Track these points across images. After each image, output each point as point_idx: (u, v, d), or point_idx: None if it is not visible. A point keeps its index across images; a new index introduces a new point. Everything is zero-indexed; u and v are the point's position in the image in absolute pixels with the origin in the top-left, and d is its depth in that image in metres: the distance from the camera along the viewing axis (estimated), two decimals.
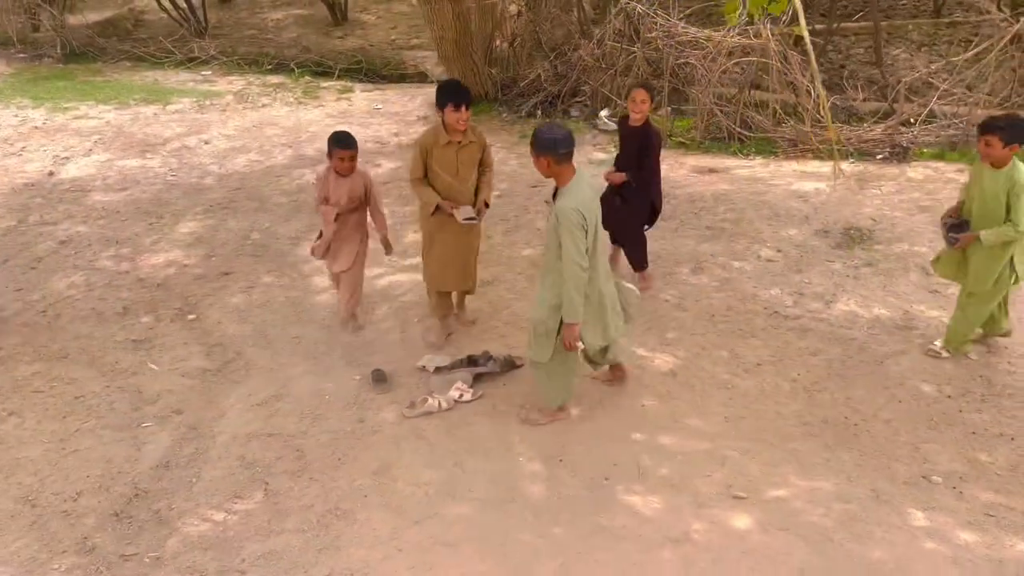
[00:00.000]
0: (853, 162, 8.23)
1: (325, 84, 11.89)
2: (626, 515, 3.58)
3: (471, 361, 4.81)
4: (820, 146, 8.54)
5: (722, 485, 3.77)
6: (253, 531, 3.58)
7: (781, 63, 9.16)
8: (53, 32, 12.50)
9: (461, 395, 4.52)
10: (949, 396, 4.42)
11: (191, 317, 5.66)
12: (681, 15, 9.76)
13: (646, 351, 5.01)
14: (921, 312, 5.33)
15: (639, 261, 5.74)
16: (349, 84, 11.96)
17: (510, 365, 4.84)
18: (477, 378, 4.67)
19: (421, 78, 12.56)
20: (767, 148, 8.83)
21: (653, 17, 9.62)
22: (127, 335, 5.41)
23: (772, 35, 9.05)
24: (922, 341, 4.99)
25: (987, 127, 4.27)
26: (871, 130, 8.55)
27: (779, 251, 6.27)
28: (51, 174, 8.15)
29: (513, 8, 12.04)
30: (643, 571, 3.21)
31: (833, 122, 8.93)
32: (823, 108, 3.98)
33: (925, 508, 3.55)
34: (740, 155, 8.77)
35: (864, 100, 9.16)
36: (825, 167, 8.13)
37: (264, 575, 3.31)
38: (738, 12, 6.61)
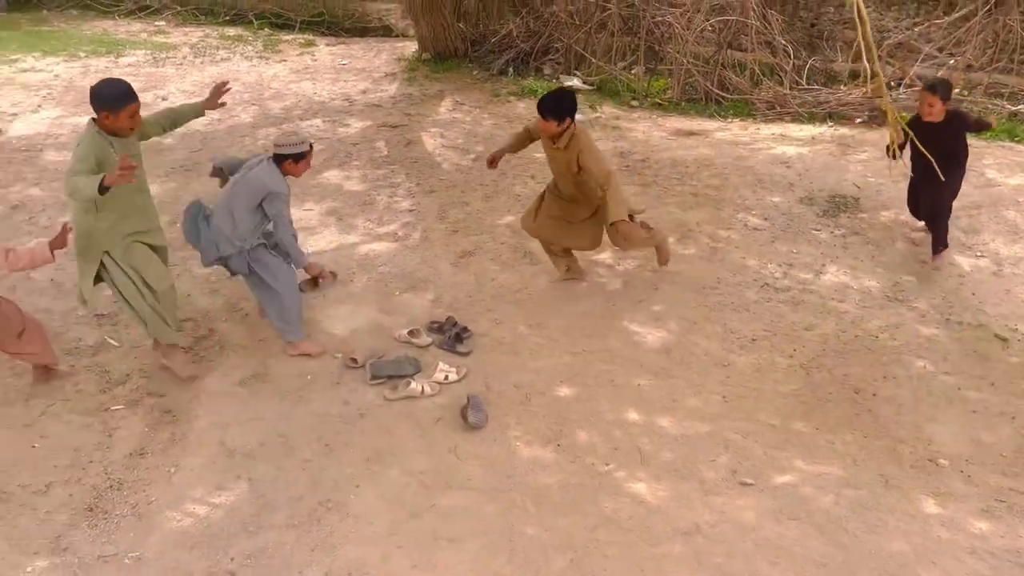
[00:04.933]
0: (832, 126, 8.14)
1: (286, 37, 11.41)
2: (632, 504, 3.47)
3: (437, 328, 4.73)
4: (799, 109, 8.44)
5: (727, 471, 3.68)
6: (240, 526, 3.39)
7: (761, 22, 9.00)
8: None
9: (447, 376, 4.34)
10: (946, 373, 4.38)
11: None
12: None
13: (637, 326, 4.88)
14: (911, 283, 5.28)
15: (944, 239, 5.37)
16: (311, 38, 11.50)
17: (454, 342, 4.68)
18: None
19: (385, 32, 12.13)
20: (744, 111, 8.69)
21: None
22: (89, 309, 5.10)
23: None
24: (913, 314, 4.95)
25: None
26: (850, 93, 8.45)
27: (766, 219, 6.17)
28: (0, 132, 7.67)
29: None
30: (656, 566, 3.11)
31: (809, 84, 8.85)
32: (880, 89, 3.78)
33: (936, 494, 3.51)
34: (718, 117, 8.62)
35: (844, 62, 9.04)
36: (803, 131, 8.05)
37: (255, 575, 3.13)
38: None
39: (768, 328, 4.86)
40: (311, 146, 4.47)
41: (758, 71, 8.94)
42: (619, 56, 9.74)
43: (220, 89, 4.53)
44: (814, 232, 5.98)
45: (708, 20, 9.02)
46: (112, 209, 3.98)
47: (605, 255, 5.71)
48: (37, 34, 10.50)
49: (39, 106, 8.35)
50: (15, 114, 8.11)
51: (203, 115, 4.64)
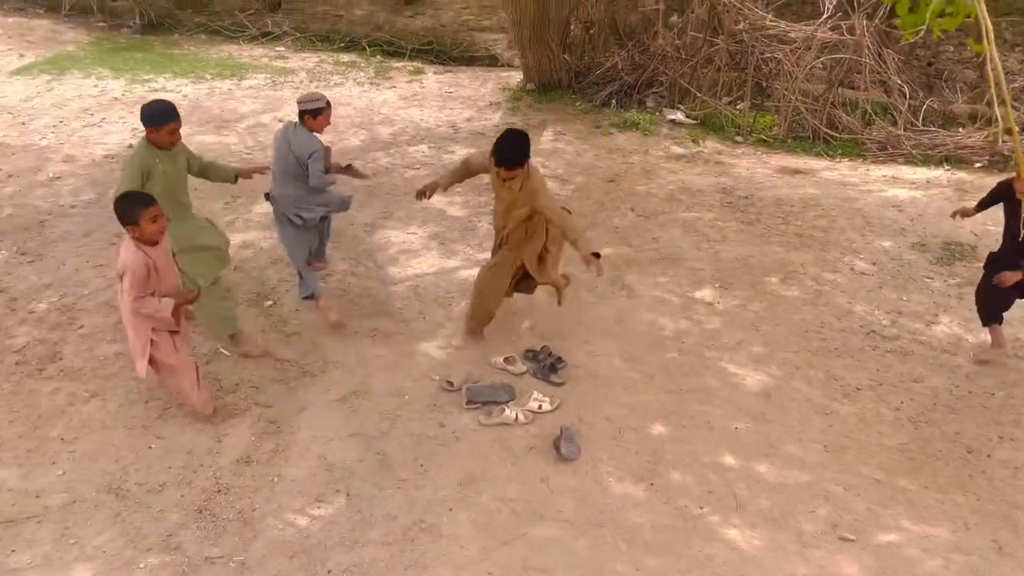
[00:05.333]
0: (948, 169, 7.84)
1: (397, 64, 11.78)
2: (726, 551, 3.40)
3: (532, 357, 4.76)
4: (913, 151, 8.16)
5: (827, 524, 3.57)
6: (337, 540, 3.49)
7: (875, 60, 8.77)
8: (131, 2, 12.58)
9: (540, 406, 4.37)
10: None
11: (268, 304, 5.60)
12: (770, 7, 9.40)
13: (736, 367, 4.80)
14: None
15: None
16: (420, 65, 11.83)
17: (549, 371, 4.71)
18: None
19: (492, 61, 12.39)
20: (854, 150, 8.48)
21: (740, 8, 9.28)
22: None
23: (867, 31, 8.67)
24: None
25: None
26: (969, 136, 8.12)
27: (874, 264, 5.98)
28: (131, 147, 8.17)
29: None
30: None
31: (926, 125, 8.55)
32: (1014, 138, 3.64)
33: None
34: (825, 156, 8.44)
35: (963, 104, 8.70)
36: (916, 174, 7.78)
37: None
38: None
39: (874, 378, 4.70)
40: (328, 103, 4.94)
41: (870, 110, 8.71)
42: (725, 91, 9.66)
43: (259, 169, 5.16)
44: (926, 280, 5.76)
45: (819, 57, 8.86)
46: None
47: (704, 292, 5.65)
48: (169, 56, 11.20)
49: None
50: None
51: (233, 182, 5.14)
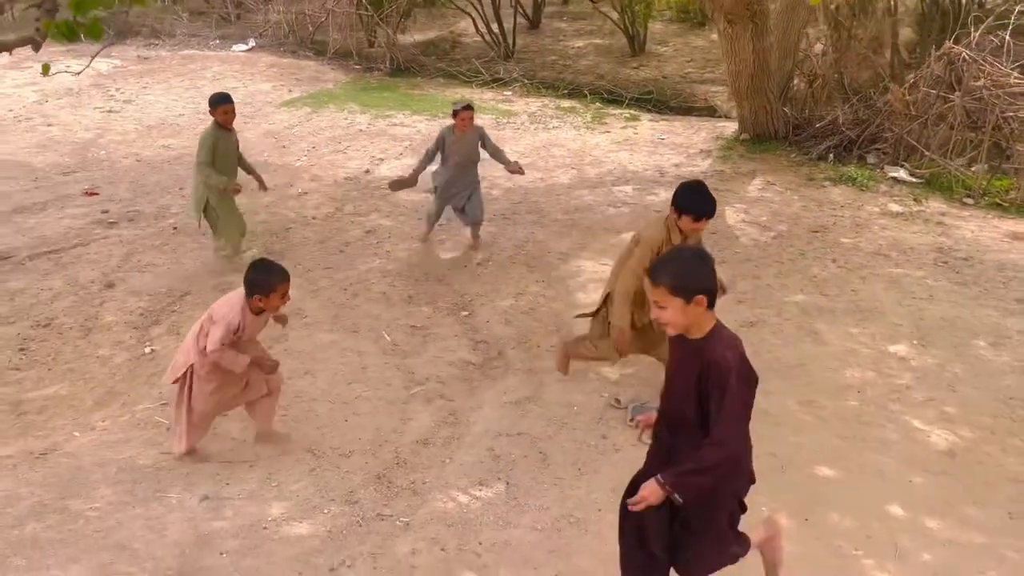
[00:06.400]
0: None
1: (614, 111, 12.22)
2: None
3: None
4: None
5: None
6: (492, 519, 3.78)
7: None
8: (385, 48, 14.11)
9: None
10: None
11: (464, 313, 6.10)
12: (1015, 64, 8.77)
13: (922, 423, 4.56)
14: None
15: None
16: (636, 113, 12.19)
17: None
18: None
19: (709, 112, 12.49)
20: None
21: (981, 64, 8.75)
22: (408, 320, 5.96)
23: None
24: None
25: None
26: None
27: None
28: (367, 172, 9.21)
29: (818, 47, 11.57)
30: None
31: None
32: None
33: None
34: None
35: None
36: None
37: (497, 561, 3.48)
38: None
39: None
40: (465, 107, 6.59)
41: None
42: (957, 151, 9.09)
43: (260, 184, 6.87)
44: None
45: None
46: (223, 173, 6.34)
47: (899, 347, 5.40)
48: (410, 96, 12.44)
49: (401, 154, 9.88)
50: (382, 159, 9.69)
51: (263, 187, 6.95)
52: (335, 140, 10.30)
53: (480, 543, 3.60)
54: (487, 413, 4.79)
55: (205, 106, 11.17)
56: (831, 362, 5.23)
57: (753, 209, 8.20)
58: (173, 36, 15.51)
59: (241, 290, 3.99)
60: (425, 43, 15.36)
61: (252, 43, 14.88)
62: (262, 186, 6.87)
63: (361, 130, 10.75)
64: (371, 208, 8.16)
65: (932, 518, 3.78)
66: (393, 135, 10.61)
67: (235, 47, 14.79)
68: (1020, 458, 4.24)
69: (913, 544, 3.60)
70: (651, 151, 10.29)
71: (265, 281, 3.88)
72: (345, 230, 7.65)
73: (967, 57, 8.80)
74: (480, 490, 4.02)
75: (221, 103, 6.29)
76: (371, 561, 3.40)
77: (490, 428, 4.61)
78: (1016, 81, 8.51)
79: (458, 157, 6.83)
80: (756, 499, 3.91)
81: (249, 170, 6.79)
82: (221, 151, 6.31)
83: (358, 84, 13.19)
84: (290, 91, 12.41)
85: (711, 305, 2.61)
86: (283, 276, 3.95)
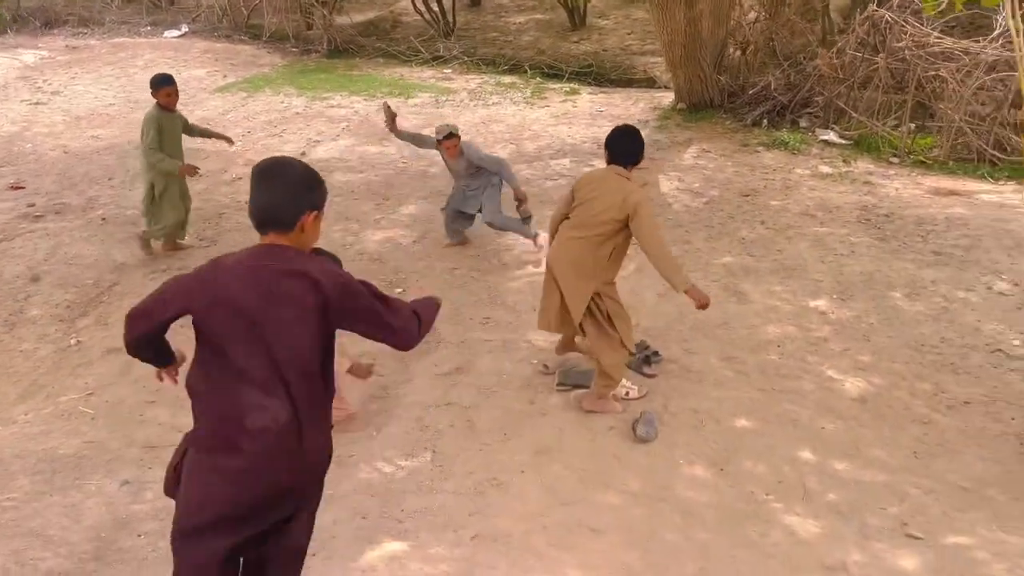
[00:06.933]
0: None
1: (554, 86, 12.25)
2: (780, 533, 3.41)
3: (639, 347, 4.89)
4: None
5: (896, 521, 3.47)
6: (416, 487, 3.83)
7: None
8: (322, 30, 13.94)
9: (627, 392, 4.52)
10: None
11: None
12: (936, 24, 8.97)
13: (837, 372, 4.72)
14: None
15: None
16: (576, 87, 12.23)
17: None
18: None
19: (649, 83, 12.58)
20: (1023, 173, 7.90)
21: (903, 26, 8.94)
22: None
23: None
24: None
25: None
26: None
27: (1016, 285, 5.62)
28: (303, 154, 9.13)
29: (751, 15, 11.70)
30: None
31: None
32: None
33: None
34: (989, 179, 7.92)
35: None
36: None
37: (418, 526, 3.54)
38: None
39: (988, 394, 4.46)
40: (447, 136, 6.14)
41: None
42: (884, 112, 9.29)
43: (225, 137, 6.98)
44: None
45: (989, 76, 8.34)
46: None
47: (819, 302, 5.56)
48: (348, 77, 12.32)
49: (338, 136, 9.82)
50: (319, 140, 9.61)
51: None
52: (271, 124, 10.19)
53: (402, 510, 3.66)
54: (417, 385, 4.83)
55: (136, 94, 10.95)
56: (754, 319, 5.37)
57: (687, 176, 8.32)
58: (102, 24, 15.13)
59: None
60: (365, 23, 15.19)
61: (185, 28, 14.60)
62: (230, 141, 6.99)
63: (297, 113, 10.64)
64: None
65: (840, 461, 3.92)
66: (330, 117, 10.52)
67: (167, 33, 14.50)
68: (927, 400, 4.41)
69: (821, 486, 3.74)
70: (589, 123, 10.35)
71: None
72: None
73: (890, 19, 8.98)
74: (406, 460, 4.07)
75: (163, 85, 6.12)
76: None
77: (419, 400, 4.66)
78: (936, 41, 8.71)
79: (453, 174, 6.55)
80: (675, 453, 4.05)
81: (209, 135, 6.79)
82: (167, 134, 6.15)
83: (295, 67, 13.03)
84: (225, 76, 12.21)
85: None
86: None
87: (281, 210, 2.32)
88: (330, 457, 2.55)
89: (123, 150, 9.24)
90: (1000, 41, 8.37)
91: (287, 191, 2.32)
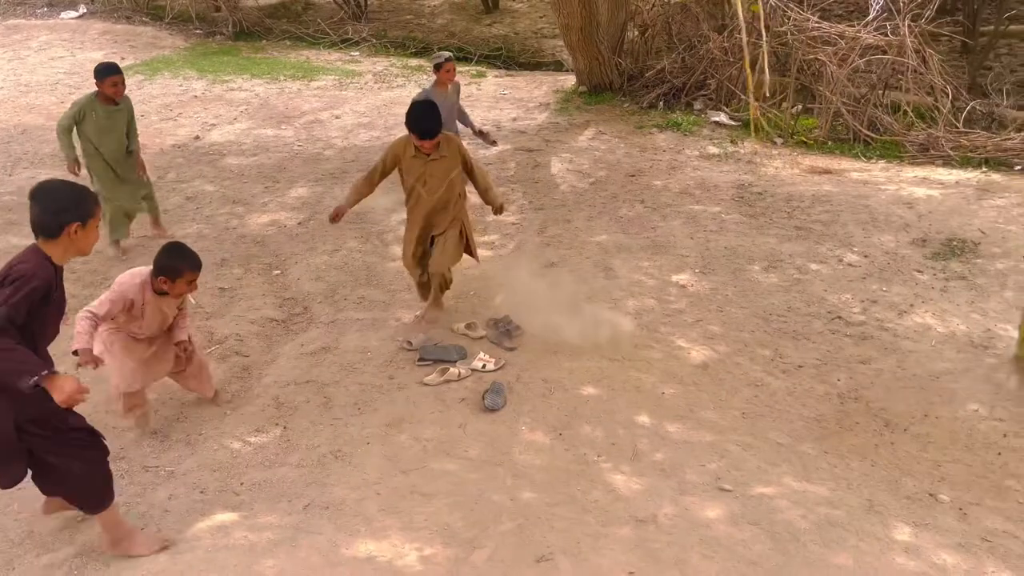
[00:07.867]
0: (985, 172, 7.57)
1: (461, 69, 12.21)
2: (602, 491, 3.58)
3: (493, 324, 5.02)
4: (952, 153, 7.91)
5: (712, 476, 3.68)
6: (259, 461, 3.90)
7: (919, 63, 8.56)
8: (227, 12, 13.69)
9: (484, 365, 4.65)
10: (1000, 419, 4.05)
11: (276, 272, 6.13)
12: (816, 10, 9.32)
13: (686, 342, 4.93)
14: (1005, 331, 4.89)
15: None
16: (483, 70, 12.32)
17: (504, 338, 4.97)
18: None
19: (556, 66, 12.74)
20: (893, 152, 8.29)
21: (785, 10, 9.25)
22: (217, 283, 5.95)
23: (911, 33, 8.48)
24: (994, 361, 4.59)
25: None
26: (1010, 138, 7.81)
27: (865, 256, 5.93)
28: (197, 138, 9.01)
29: None
30: (593, 543, 3.22)
31: (970, 128, 8.26)
32: None
33: (916, 524, 3.30)
34: (862, 158, 8.30)
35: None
36: (951, 175, 7.55)
37: (254, 498, 3.61)
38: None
39: (821, 358, 4.72)
40: (447, 59, 6.35)
41: (911, 113, 8.51)
42: (771, 94, 9.61)
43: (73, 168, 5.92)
44: (915, 273, 5.67)
45: (863, 59, 8.71)
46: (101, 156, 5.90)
47: (682, 276, 5.78)
48: (251, 60, 12.16)
49: (235, 119, 9.70)
50: (214, 124, 9.49)
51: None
52: (166, 107, 10.02)
53: (241, 483, 3.72)
54: (280, 365, 4.87)
55: (27, 77, 10.56)
56: (617, 293, 5.55)
57: (578, 158, 8.49)
58: None
59: (149, 267, 3.80)
60: (276, 6, 14.96)
61: (83, 9, 14.16)
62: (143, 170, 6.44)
63: (196, 96, 10.48)
64: (195, 174, 8.02)
65: (673, 423, 4.12)
66: (229, 100, 10.39)
67: (64, 14, 14.05)
68: (764, 365, 4.65)
69: (651, 447, 3.93)
70: (491, 106, 10.45)
71: (173, 266, 3.72)
72: (165, 198, 7.49)
73: (773, 4, 9.27)
74: (255, 436, 4.13)
75: (109, 74, 5.65)
76: (124, 509, 3.46)
77: (280, 379, 4.70)
78: (815, 26, 9.05)
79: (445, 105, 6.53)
80: (520, 420, 4.20)
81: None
82: (99, 125, 5.74)
83: (198, 50, 12.79)
84: (123, 59, 11.89)
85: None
86: (194, 264, 3.78)
87: (45, 222, 2.86)
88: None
89: (8, 135, 8.99)
90: (874, 25, 8.76)
91: (49, 207, 2.85)
